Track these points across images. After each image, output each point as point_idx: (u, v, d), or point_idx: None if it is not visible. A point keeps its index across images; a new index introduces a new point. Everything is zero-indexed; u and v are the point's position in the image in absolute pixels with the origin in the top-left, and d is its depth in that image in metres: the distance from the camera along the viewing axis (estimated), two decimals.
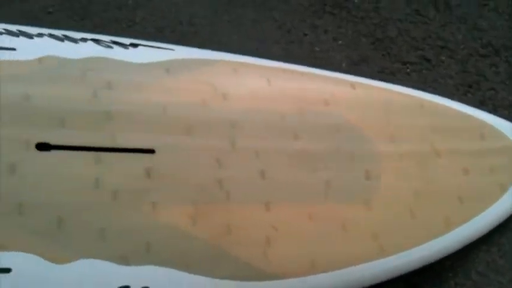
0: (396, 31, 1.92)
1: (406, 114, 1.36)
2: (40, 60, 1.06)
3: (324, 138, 1.23)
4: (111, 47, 1.16)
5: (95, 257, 0.92)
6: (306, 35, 1.92)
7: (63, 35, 1.14)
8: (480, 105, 1.69)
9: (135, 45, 1.21)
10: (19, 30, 1.11)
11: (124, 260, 0.94)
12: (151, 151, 1.04)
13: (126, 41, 1.21)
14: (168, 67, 1.18)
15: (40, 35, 1.12)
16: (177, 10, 2.14)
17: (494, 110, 1.69)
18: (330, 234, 1.13)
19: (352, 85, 1.35)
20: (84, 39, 1.16)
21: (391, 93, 1.41)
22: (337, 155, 1.22)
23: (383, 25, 1.92)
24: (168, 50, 1.23)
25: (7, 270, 0.86)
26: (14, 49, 1.05)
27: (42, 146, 0.96)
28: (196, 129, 1.11)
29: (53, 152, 0.96)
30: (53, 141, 0.97)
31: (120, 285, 0.94)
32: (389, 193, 1.23)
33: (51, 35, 1.13)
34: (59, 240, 0.90)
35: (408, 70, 1.81)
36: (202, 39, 2.04)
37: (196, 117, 1.12)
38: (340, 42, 1.87)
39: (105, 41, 1.18)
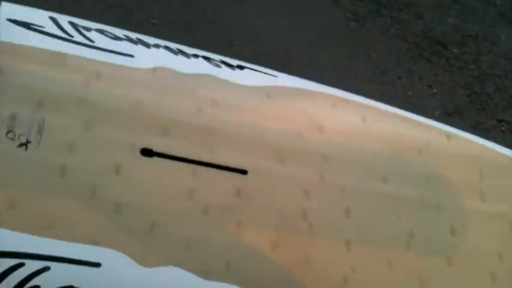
0: (494, 87, 1.88)
1: (499, 174, 1.32)
2: (154, 70, 1.11)
3: (413, 186, 1.21)
4: (219, 66, 1.21)
5: (179, 266, 0.94)
6: (400, 78, 1.92)
7: (178, 49, 1.20)
8: None
9: (241, 67, 1.25)
10: (138, 39, 1.17)
11: (205, 273, 0.96)
12: (244, 172, 1.06)
13: (234, 62, 1.25)
14: (269, 93, 1.21)
15: (157, 45, 1.18)
16: (275, 37, 2.19)
17: None
18: (407, 287, 1.11)
19: (448, 136, 1.33)
20: (195, 56, 1.21)
21: (485, 149, 1.38)
22: (424, 205, 1.20)
23: (482, 79, 1.88)
24: (271, 76, 1.26)
25: (97, 265, 0.90)
26: (132, 56, 1.11)
27: (146, 152, 1.00)
28: (289, 157, 1.12)
29: (155, 159, 1.01)
30: (156, 148, 1.01)
31: None
32: (473, 252, 1.19)
33: (166, 47, 1.18)
34: (150, 244, 0.94)
35: (503, 128, 1.76)
36: (296, 69, 2.07)
37: (290, 145, 1.14)
38: (435, 90, 1.86)
39: (214, 60, 1.22)
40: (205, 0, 2.38)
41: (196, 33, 2.31)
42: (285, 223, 1.07)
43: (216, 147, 1.07)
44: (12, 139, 0.92)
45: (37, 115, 0.95)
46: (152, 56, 1.15)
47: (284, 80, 1.28)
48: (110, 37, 1.14)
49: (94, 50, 1.08)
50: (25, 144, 0.92)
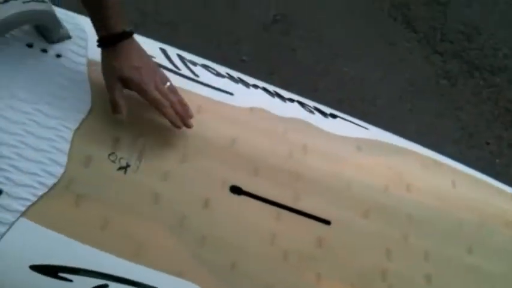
0: None
1: None
2: (251, 109, 1.14)
3: (499, 261, 1.15)
4: (313, 113, 1.22)
5: None
6: (488, 143, 1.86)
7: (275, 92, 1.22)
8: None
9: (334, 116, 1.25)
10: (239, 78, 1.20)
11: None
12: (327, 222, 1.05)
13: (327, 110, 1.26)
14: (360, 145, 1.20)
15: (255, 86, 1.20)
16: (361, 86, 2.19)
17: None
18: None
19: None
20: (291, 100, 1.23)
21: None
22: (509, 282, 1.14)
23: None
24: (362, 128, 1.26)
25: None
26: (232, 94, 1.15)
27: (235, 189, 1.02)
28: (374, 213, 1.10)
29: (243, 197, 1.02)
30: (244, 187, 1.02)
31: None
32: None
33: (264, 89, 1.21)
34: (230, 282, 0.94)
35: None
36: (380, 121, 2.05)
37: (376, 200, 1.12)
38: None
39: (309, 106, 1.23)
40: (295, 42, 2.42)
41: (283, 73, 2.35)
42: (364, 281, 1.04)
43: (302, 194, 1.06)
44: (113, 161, 0.96)
45: (139, 141, 0.99)
46: (250, 96, 1.18)
47: (375, 133, 1.27)
48: (213, 73, 1.18)
49: (198, 84, 1.12)
50: (124, 168, 0.96)
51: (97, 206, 0.92)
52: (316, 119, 1.20)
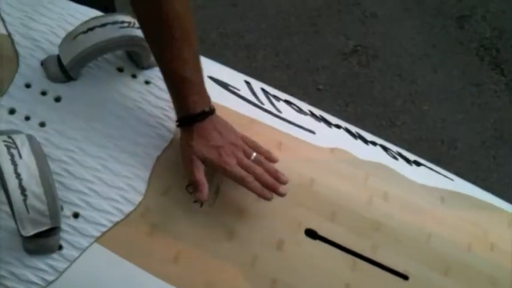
0: None
1: None
2: (332, 150, 1.10)
3: None
4: (396, 159, 1.17)
5: None
6: None
7: (357, 133, 1.18)
8: None
9: (418, 164, 1.19)
10: (321, 116, 1.17)
11: None
12: (405, 277, 0.99)
13: (411, 156, 1.21)
14: (444, 196, 1.13)
15: (338, 126, 1.17)
16: (442, 126, 2.11)
17: None
18: None
19: None
20: (373, 143, 1.18)
21: None
22: None
23: None
24: (447, 179, 1.19)
25: None
26: (313, 132, 1.12)
27: (311, 233, 0.98)
28: (455, 271, 1.03)
29: (317, 242, 0.98)
30: (320, 231, 0.99)
31: None
32: None
33: (347, 130, 1.17)
34: None
35: None
36: (459, 165, 1.97)
37: (458, 258, 1.05)
38: None
39: (392, 151, 1.18)
40: (374, 74, 2.37)
41: (359, 104, 2.30)
42: None
43: (380, 244, 1.01)
44: (190, 193, 0.95)
45: (217, 175, 0.97)
46: (332, 136, 1.14)
47: (461, 185, 1.20)
48: (295, 110, 1.15)
49: (280, 121, 1.10)
50: (201, 201, 0.94)
51: (171, 237, 0.91)
52: (399, 166, 1.15)
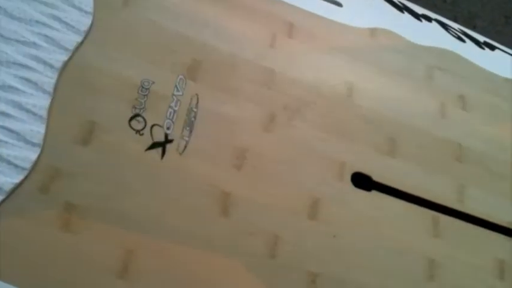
0: None
1: None
2: (373, 32, 0.66)
3: None
4: (462, 40, 0.73)
5: None
6: None
7: (401, 3, 0.73)
8: None
9: (491, 46, 0.76)
10: None
11: None
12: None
13: (479, 36, 0.77)
14: None
15: None
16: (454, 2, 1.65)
17: None
18: None
19: None
20: (427, 18, 0.74)
21: None
22: None
23: None
24: None
25: None
26: (339, 4, 0.66)
27: (360, 179, 0.56)
28: None
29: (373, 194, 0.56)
30: (374, 175, 0.57)
31: None
32: None
33: None
34: None
35: None
36: None
37: None
38: None
39: (453, 29, 0.75)
40: None
41: None
42: None
43: (469, 183, 0.61)
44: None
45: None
46: (368, 9, 0.69)
47: None
48: None
49: None
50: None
51: None
52: (470, 51, 0.72)
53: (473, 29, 1.55)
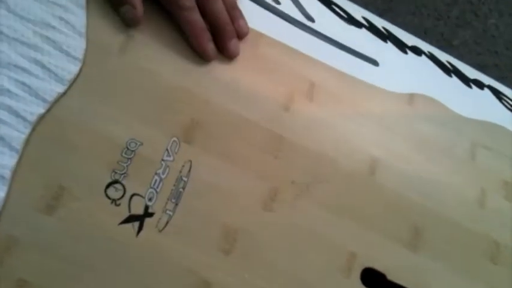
0: None
1: None
2: (411, 99, 0.58)
3: None
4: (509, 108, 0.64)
5: None
6: None
7: (449, 63, 0.64)
8: None
9: None
10: (385, 29, 0.63)
11: None
12: None
13: None
14: None
15: (414, 49, 0.63)
16: None
17: None
18: None
19: None
20: (478, 83, 0.65)
21: None
22: None
23: None
24: None
25: None
26: (375, 63, 0.58)
27: (371, 276, 0.48)
28: None
29: None
30: (389, 273, 0.48)
31: None
32: None
33: (431, 56, 0.63)
34: None
35: None
36: None
37: None
38: None
39: (506, 97, 0.65)
40: None
41: (398, 15, 1.71)
42: None
43: None
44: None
45: None
46: (407, 69, 0.61)
47: None
48: (341, 16, 0.61)
49: (312, 37, 0.56)
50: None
51: None
52: None
53: None
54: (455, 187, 0.55)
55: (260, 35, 0.54)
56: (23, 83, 0.41)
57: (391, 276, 0.48)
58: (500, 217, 0.55)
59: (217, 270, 0.42)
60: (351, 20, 0.61)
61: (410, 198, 0.52)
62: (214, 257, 0.43)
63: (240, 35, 0.52)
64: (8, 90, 0.40)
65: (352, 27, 0.60)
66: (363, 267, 0.47)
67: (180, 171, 0.44)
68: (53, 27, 0.43)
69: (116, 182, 0.41)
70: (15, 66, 0.41)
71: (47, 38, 0.43)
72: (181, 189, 0.43)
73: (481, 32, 1.50)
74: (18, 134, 0.39)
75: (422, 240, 0.50)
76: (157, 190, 0.43)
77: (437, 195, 0.53)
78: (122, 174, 0.42)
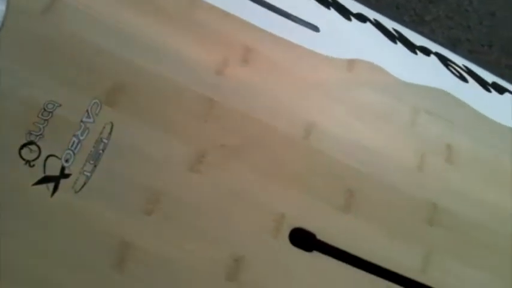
0: None
1: None
2: (351, 64, 0.57)
3: None
4: (465, 80, 0.64)
5: None
6: None
7: (395, 30, 0.64)
8: None
9: (499, 89, 0.66)
10: None
11: None
12: None
13: (485, 75, 0.67)
14: None
15: (360, 17, 0.63)
16: (489, 26, 1.52)
17: None
18: None
19: None
20: (425, 50, 0.64)
21: None
22: None
23: None
24: None
25: None
26: (316, 28, 0.58)
27: (301, 236, 0.48)
28: None
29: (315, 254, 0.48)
30: (320, 233, 0.48)
31: None
32: None
33: (377, 24, 0.63)
34: None
35: None
36: None
37: None
38: None
39: (455, 65, 0.65)
40: None
41: None
42: None
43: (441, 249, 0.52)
44: None
45: None
46: (351, 35, 0.60)
47: None
48: None
49: (250, 2, 0.56)
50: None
51: None
52: (473, 94, 0.62)
53: (509, 57, 1.42)
54: (394, 152, 0.54)
55: (195, 0, 0.53)
56: None
57: (322, 237, 0.48)
58: (441, 180, 0.55)
59: (137, 231, 0.42)
60: None
61: (346, 162, 0.52)
62: (135, 218, 0.42)
63: None
64: None
65: None
66: (292, 228, 0.47)
67: (101, 133, 0.43)
68: None
69: (30, 143, 0.41)
70: None
71: None
72: (100, 151, 0.43)
73: (455, 6, 1.48)
74: None
75: (355, 204, 0.50)
76: (75, 151, 0.42)
77: (375, 161, 0.53)
78: (38, 135, 0.41)
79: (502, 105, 0.66)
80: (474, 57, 1.38)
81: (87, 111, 0.44)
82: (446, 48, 0.70)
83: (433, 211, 0.53)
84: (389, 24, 0.64)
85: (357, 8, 0.63)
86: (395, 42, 0.62)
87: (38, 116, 0.42)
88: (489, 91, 0.65)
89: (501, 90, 0.67)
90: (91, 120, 0.44)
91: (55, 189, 0.41)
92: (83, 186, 0.42)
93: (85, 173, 0.42)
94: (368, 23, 0.62)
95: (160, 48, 0.49)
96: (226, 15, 0.54)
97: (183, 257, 0.43)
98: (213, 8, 0.53)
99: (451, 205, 0.54)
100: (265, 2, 0.57)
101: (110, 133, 0.44)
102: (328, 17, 0.60)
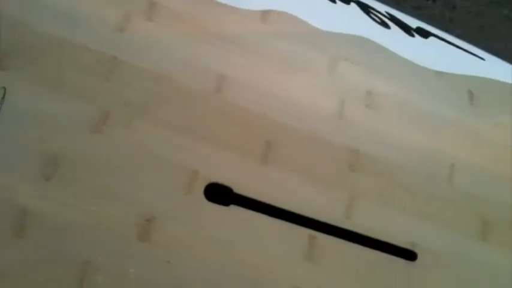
0: None
1: None
2: (264, 16, 0.56)
3: None
4: (386, 26, 0.63)
5: None
6: None
7: None
8: None
9: (424, 33, 0.66)
10: None
11: None
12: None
13: (410, 21, 0.67)
14: (472, 89, 0.62)
15: None
16: None
17: None
18: None
19: None
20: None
21: None
22: None
23: None
24: (475, 59, 0.67)
25: None
26: None
27: (216, 191, 0.47)
28: None
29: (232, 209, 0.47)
30: (237, 186, 0.47)
31: None
32: None
33: None
34: None
35: None
36: (459, 33, 1.41)
37: None
38: None
39: (376, 12, 0.64)
40: None
41: None
42: None
43: (361, 197, 0.52)
44: None
45: None
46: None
47: (497, 68, 0.69)
48: None
49: None
50: None
51: None
52: (394, 39, 0.62)
53: (453, 10, 1.43)
54: (312, 100, 0.54)
55: None
56: None
57: (239, 190, 0.47)
58: (361, 126, 0.54)
59: (35, 197, 0.41)
60: None
61: (262, 113, 0.51)
62: (33, 184, 0.41)
63: None
64: None
65: None
66: (207, 183, 0.46)
67: None
68: None
69: None
70: None
71: None
72: None
73: None
74: None
75: (273, 154, 0.49)
76: None
77: (292, 110, 0.52)
78: None
79: (426, 49, 0.65)
80: (419, 12, 1.38)
81: None
82: (390, 5, 0.69)
83: (355, 157, 0.52)
84: None
85: None
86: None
87: None
88: (412, 36, 0.64)
89: (426, 34, 0.66)
90: None
91: None
92: None
93: None
94: None
95: (57, 9, 0.46)
96: None
97: (87, 220, 0.42)
98: None
99: (373, 150, 0.53)
100: None
101: (3, 98, 0.42)
102: None
